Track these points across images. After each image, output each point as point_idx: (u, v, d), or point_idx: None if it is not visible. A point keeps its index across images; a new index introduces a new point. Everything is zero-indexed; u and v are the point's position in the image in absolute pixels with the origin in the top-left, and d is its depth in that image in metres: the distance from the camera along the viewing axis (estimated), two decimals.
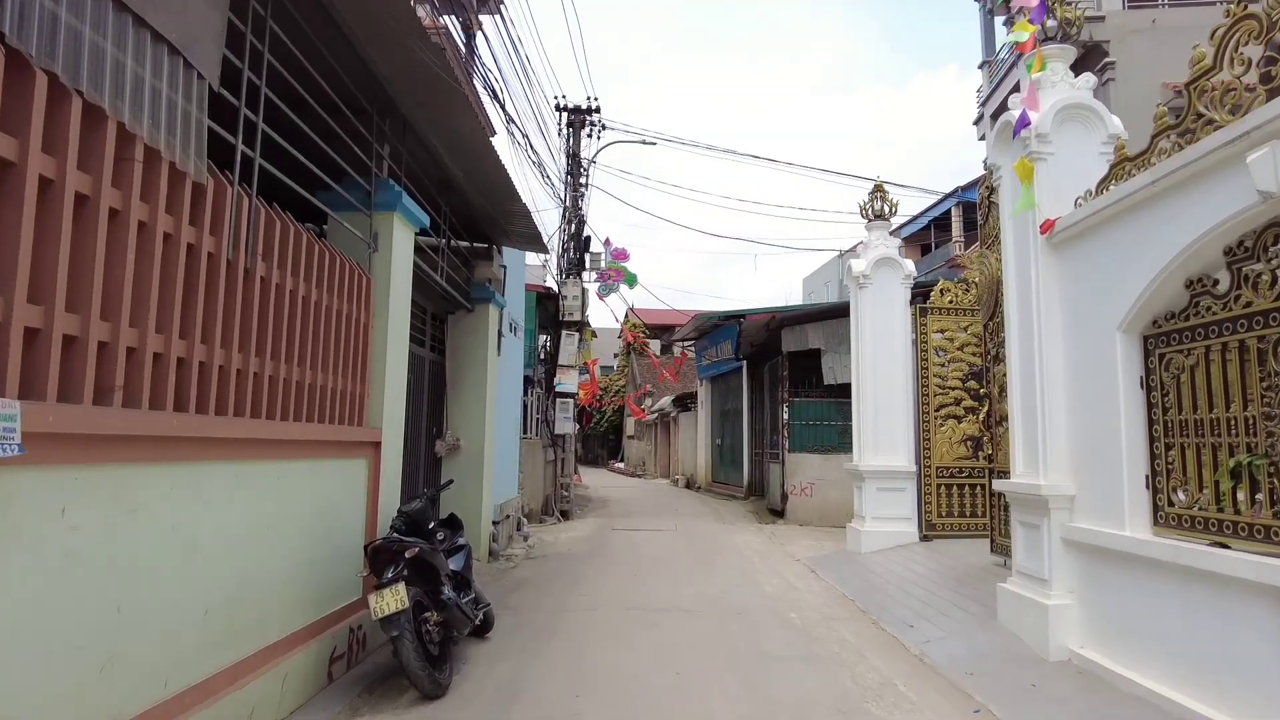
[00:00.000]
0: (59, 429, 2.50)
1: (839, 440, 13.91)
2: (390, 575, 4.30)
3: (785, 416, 14.33)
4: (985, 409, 8.58)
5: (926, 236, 27.16)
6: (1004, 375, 7.49)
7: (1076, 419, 5.33)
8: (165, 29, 3.22)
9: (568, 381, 15.20)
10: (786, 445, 14.18)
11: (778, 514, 14.52)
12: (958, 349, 10.42)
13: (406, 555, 4.39)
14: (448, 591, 4.77)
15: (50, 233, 2.62)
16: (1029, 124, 5.89)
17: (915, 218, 26.47)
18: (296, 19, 4.40)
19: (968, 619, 6.09)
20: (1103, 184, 5.23)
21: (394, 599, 4.18)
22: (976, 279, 10.14)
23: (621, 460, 41.07)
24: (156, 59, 3.21)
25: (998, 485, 6.30)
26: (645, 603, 7.08)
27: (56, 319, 2.59)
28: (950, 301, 10.54)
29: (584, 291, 15.98)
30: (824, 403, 14.18)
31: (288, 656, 4.09)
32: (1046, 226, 5.66)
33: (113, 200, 2.91)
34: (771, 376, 16.49)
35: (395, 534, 4.79)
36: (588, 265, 16.63)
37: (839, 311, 13.75)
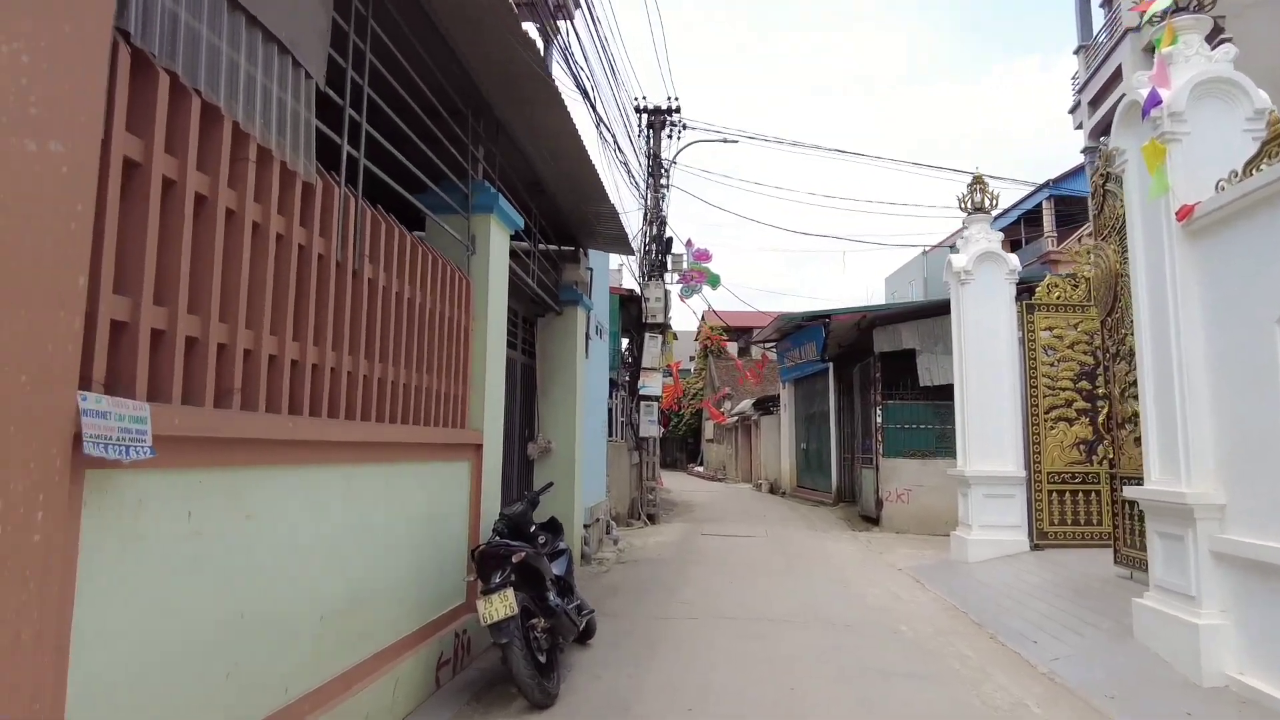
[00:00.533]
0: (184, 432, 2.46)
1: (936, 444, 13.37)
2: (497, 580, 4.21)
3: (879, 420, 13.85)
4: (1105, 410, 8.02)
5: (1016, 232, 26.02)
6: (1126, 374, 6.98)
7: (1224, 421, 4.86)
8: (275, 27, 3.20)
9: (651, 384, 15.08)
10: (880, 450, 13.70)
11: (871, 521, 14.04)
12: (1068, 347, 9.84)
13: (513, 560, 4.29)
14: (553, 597, 4.67)
15: (172, 234, 2.59)
16: (1160, 102, 5.43)
17: (1005, 212, 25.40)
18: (395, 18, 4.38)
19: (1098, 636, 5.65)
20: (1252, 163, 4.75)
21: (503, 605, 4.09)
22: (1088, 273, 9.55)
23: (700, 464, 40.79)
24: (267, 58, 3.19)
25: (1130, 493, 5.82)
26: (746, 612, 6.85)
27: (180, 321, 2.56)
28: (1058, 297, 9.98)
29: (666, 293, 15.85)
30: (920, 405, 13.64)
31: (398, 662, 4.05)
32: (1184, 212, 5.19)
33: (229, 201, 2.88)
34: (862, 378, 15.98)
35: (498, 537, 4.71)
36: (669, 266, 16.49)
37: (934, 310, 13.23)
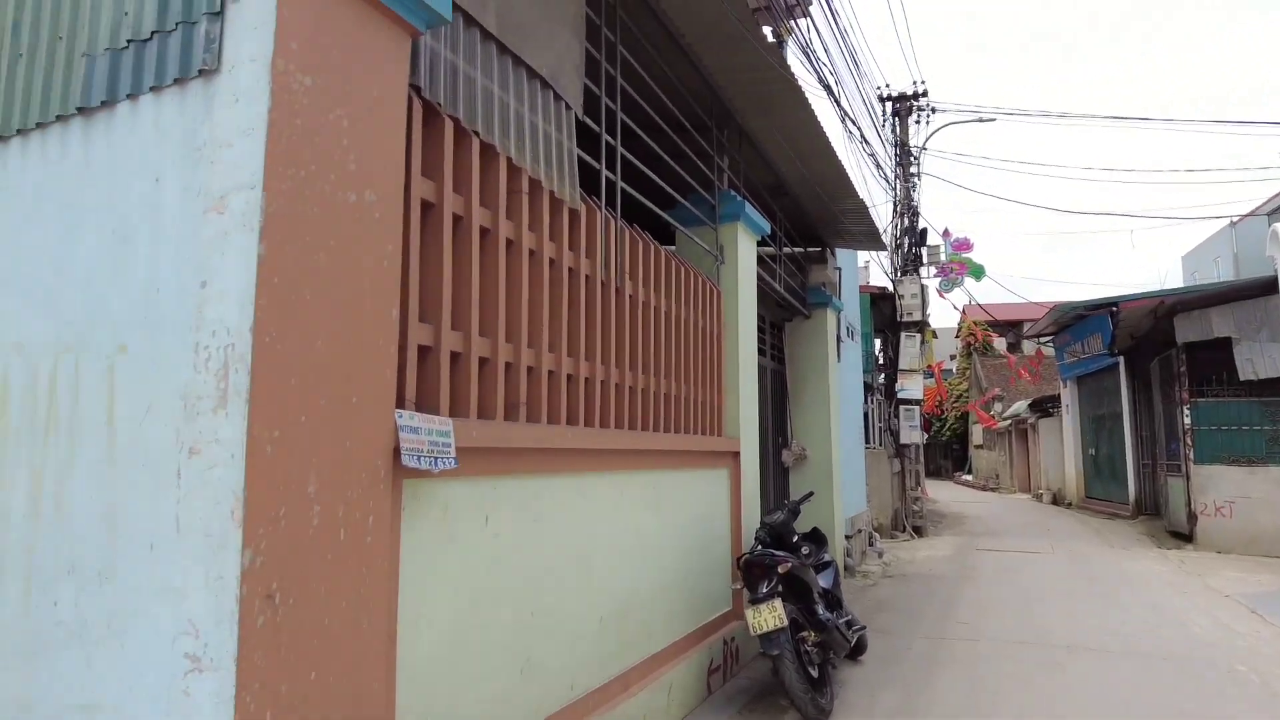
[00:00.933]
0: (480, 443, 2.70)
1: (1266, 448, 11.29)
2: (764, 591, 4.17)
3: (1187, 421, 11.95)
4: None
5: None
6: None
7: None
8: (538, 64, 3.44)
9: (910, 387, 14.28)
10: (1190, 455, 11.81)
11: (1182, 538, 12.13)
12: None
13: (779, 570, 4.23)
14: (822, 611, 4.53)
15: (462, 265, 2.86)
16: None
17: None
18: (641, 42, 4.53)
19: None
20: None
21: (772, 616, 4.04)
22: None
23: (969, 472, 37.93)
24: (532, 95, 3.43)
25: None
26: (1036, 637, 6.19)
27: (473, 343, 2.82)
28: None
29: (923, 288, 14.96)
30: (1240, 403, 11.57)
31: (671, 666, 4.15)
32: None
33: (508, 231, 3.13)
34: (1163, 373, 13.94)
35: (761, 547, 4.67)
36: (925, 259, 15.56)
37: (1253, 290, 11.28)
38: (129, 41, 2.25)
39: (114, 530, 2.06)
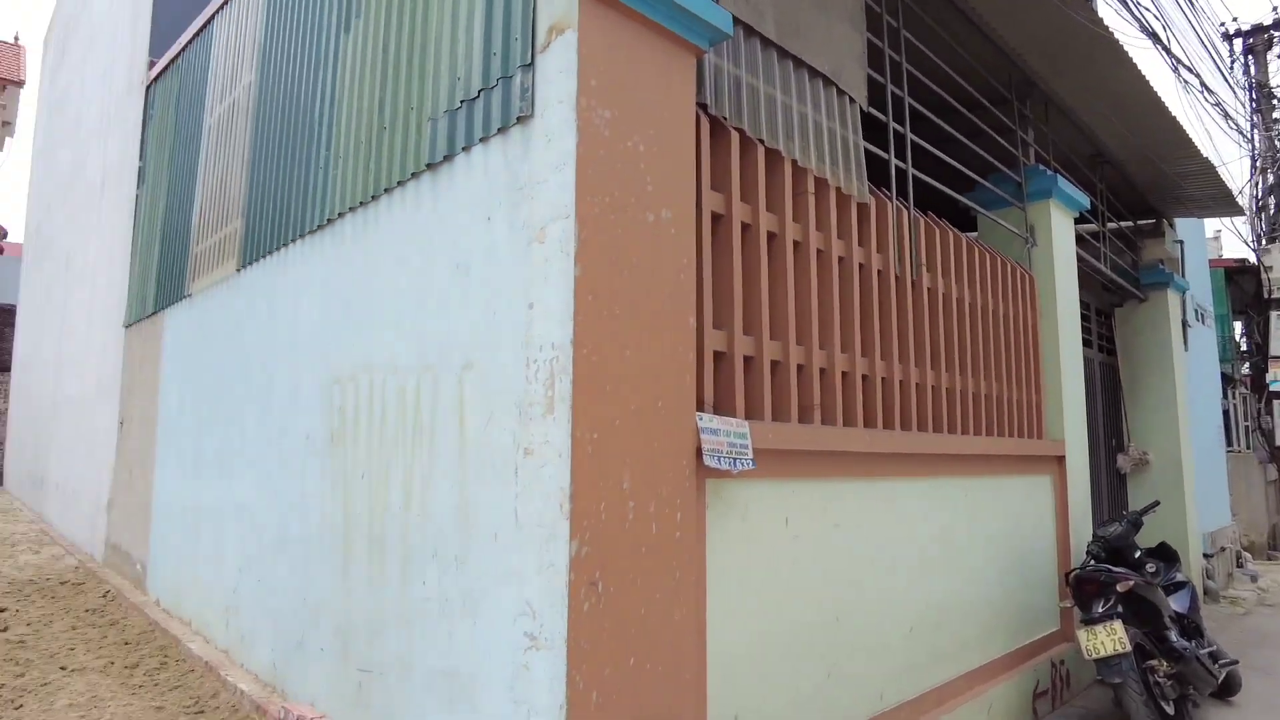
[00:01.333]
0: (777, 445, 2.73)
1: None
2: (1100, 610, 3.70)
3: None
4: None
5: None
6: None
7: None
8: (818, 63, 3.40)
9: None
10: None
11: None
12: None
13: (1118, 589, 3.73)
14: (1175, 637, 3.91)
15: (752, 272, 2.92)
16: None
17: None
18: (925, 20, 4.29)
19: None
20: None
21: (1110, 639, 3.57)
22: None
23: None
24: (814, 94, 3.41)
25: None
26: None
27: (764, 346, 2.86)
28: None
29: None
30: None
31: (991, 685, 3.84)
32: None
33: (795, 234, 3.13)
34: None
35: (1094, 562, 4.15)
36: None
37: None
38: (462, 102, 2.62)
39: (466, 521, 2.40)
